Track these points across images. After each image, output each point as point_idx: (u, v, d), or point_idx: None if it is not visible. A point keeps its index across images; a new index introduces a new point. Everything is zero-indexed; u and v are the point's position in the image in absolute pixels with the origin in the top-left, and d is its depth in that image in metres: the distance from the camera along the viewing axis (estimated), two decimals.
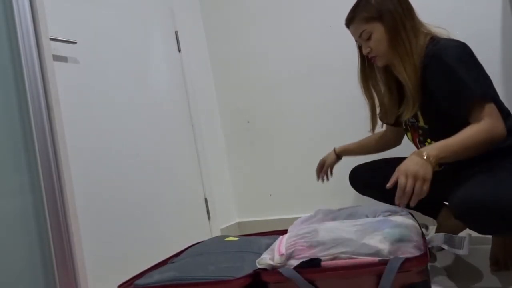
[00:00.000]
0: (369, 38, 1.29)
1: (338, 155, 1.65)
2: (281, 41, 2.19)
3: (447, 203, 1.46)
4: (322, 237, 1.05)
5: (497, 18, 1.67)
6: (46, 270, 1.19)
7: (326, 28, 2.05)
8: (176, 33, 2.20)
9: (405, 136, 1.47)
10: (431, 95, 1.23)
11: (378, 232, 1.03)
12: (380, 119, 1.48)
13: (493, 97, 1.17)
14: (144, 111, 1.91)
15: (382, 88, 1.40)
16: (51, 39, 1.39)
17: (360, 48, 1.39)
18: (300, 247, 1.05)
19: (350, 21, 1.34)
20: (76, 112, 1.57)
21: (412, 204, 1.04)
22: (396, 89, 1.37)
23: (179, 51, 2.21)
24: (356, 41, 1.38)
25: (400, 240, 0.99)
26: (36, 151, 1.20)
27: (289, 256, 1.04)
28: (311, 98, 2.13)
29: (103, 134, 1.68)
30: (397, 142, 1.58)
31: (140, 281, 1.14)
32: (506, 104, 1.69)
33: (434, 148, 1.09)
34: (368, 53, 1.31)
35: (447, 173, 1.35)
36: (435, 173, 1.37)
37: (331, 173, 1.67)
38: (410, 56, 1.22)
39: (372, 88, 1.41)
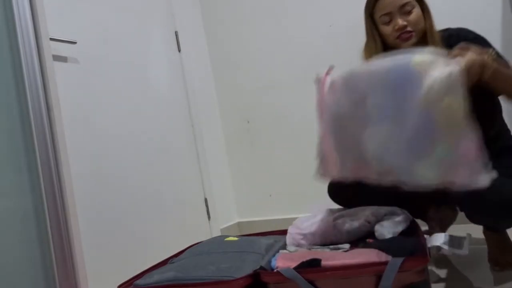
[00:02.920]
0: (410, 12, 1.27)
1: None
2: (281, 41, 2.19)
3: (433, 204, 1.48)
4: None
5: (497, 18, 1.67)
6: (46, 270, 1.19)
7: (326, 28, 2.05)
8: (176, 33, 2.20)
9: None
10: None
11: None
12: None
13: None
14: (144, 111, 1.91)
15: None
16: (51, 39, 1.39)
17: (371, 32, 1.35)
18: None
19: None
20: (76, 112, 1.57)
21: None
22: None
23: (179, 51, 2.21)
24: (379, 17, 1.31)
25: None
26: (36, 151, 1.20)
27: None
28: (311, 98, 2.12)
29: (103, 134, 1.68)
30: None
31: (140, 281, 1.14)
32: (505, 104, 1.69)
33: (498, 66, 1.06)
34: (405, 26, 1.26)
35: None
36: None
37: None
38: (436, 44, 1.24)
39: None
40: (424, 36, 1.27)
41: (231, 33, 2.36)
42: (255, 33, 2.28)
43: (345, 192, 1.50)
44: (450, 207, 1.47)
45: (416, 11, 1.26)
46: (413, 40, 1.27)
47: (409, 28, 1.26)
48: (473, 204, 1.06)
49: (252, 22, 2.29)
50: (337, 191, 1.53)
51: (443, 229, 1.43)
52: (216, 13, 2.41)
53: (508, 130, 1.30)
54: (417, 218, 1.52)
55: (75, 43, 1.60)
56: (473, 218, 1.14)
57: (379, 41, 1.35)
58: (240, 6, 2.32)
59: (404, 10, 1.26)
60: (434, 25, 1.28)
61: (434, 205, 1.48)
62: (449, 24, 1.75)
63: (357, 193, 1.42)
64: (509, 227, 1.19)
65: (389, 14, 1.28)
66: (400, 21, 1.25)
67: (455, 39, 1.23)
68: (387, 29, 1.29)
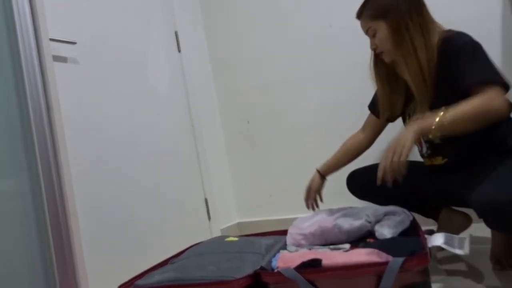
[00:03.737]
0: (374, 35, 1.30)
1: (323, 175, 1.57)
2: (281, 41, 2.19)
3: (446, 204, 1.47)
4: None
5: (497, 18, 1.67)
6: (46, 270, 1.19)
7: (326, 28, 2.05)
8: (176, 33, 2.20)
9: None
10: (444, 86, 1.21)
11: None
12: (377, 113, 1.47)
13: (504, 84, 1.12)
14: (144, 111, 1.91)
15: (386, 84, 1.39)
16: (51, 39, 1.39)
17: None
18: None
19: (358, 16, 1.36)
20: (76, 112, 1.57)
21: (390, 177, 1.11)
22: (404, 87, 1.36)
23: (179, 51, 2.21)
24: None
25: None
26: (36, 151, 1.20)
27: None
28: (311, 98, 2.13)
29: (103, 134, 1.68)
30: (369, 143, 1.55)
31: (140, 282, 1.14)
32: None
33: (424, 121, 1.12)
34: (375, 49, 1.33)
35: (446, 175, 1.36)
36: (435, 175, 1.37)
37: (321, 199, 1.58)
38: (412, 56, 1.22)
39: (379, 80, 1.40)
40: (398, 51, 1.25)
41: (231, 33, 2.36)
42: (255, 33, 2.28)
43: (363, 187, 1.52)
44: (463, 214, 1.45)
45: (380, 33, 1.28)
46: (388, 58, 1.30)
47: (378, 50, 1.32)
48: (487, 212, 1.02)
49: (252, 23, 2.28)
50: (355, 184, 1.56)
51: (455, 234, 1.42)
52: (216, 13, 2.41)
53: None
54: (428, 217, 1.51)
55: (75, 43, 1.60)
56: (490, 226, 1.09)
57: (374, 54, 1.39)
58: (240, 6, 2.32)
59: (370, 35, 1.33)
60: (408, 37, 1.22)
61: (448, 209, 1.46)
62: (449, 24, 1.76)
63: (374, 191, 1.42)
64: None
65: (366, 35, 1.36)
66: (371, 44, 1.34)
67: (448, 44, 1.20)
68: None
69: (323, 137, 2.09)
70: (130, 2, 1.95)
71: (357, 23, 2.06)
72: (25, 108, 1.20)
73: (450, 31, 1.25)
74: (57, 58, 1.53)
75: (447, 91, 1.19)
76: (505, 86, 1.11)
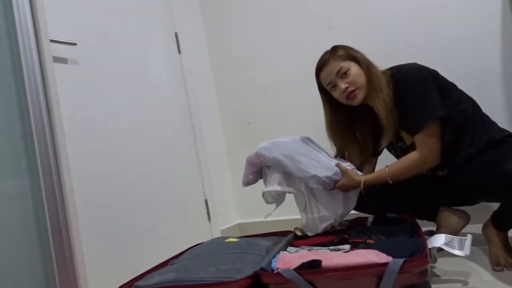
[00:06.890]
0: (346, 74, 1.39)
1: None
2: (281, 42, 2.19)
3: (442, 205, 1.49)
4: None
5: (497, 18, 1.67)
6: (46, 271, 1.19)
7: (326, 29, 2.05)
8: (176, 34, 2.21)
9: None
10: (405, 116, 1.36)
11: None
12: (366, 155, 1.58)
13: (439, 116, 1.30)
14: (144, 113, 1.91)
15: (359, 127, 1.55)
16: (51, 40, 1.39)
17: (327, 99, 1.52)
18: None
19: (325, 62, 1.45)
20: (76, 113, 1.57)
21: None
22: (371, 124, 1.51)
23: (179, 52, 2.21)
24: (326, 86, 1.47)
25: None
26: (36, 152, 1.20)
27: None
28: (311, 99, 2.12)
29: (103, 135, 1.67)
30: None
31: (140, 283, 1.14)
32: (505, 104, 1.69)
33: (370, 178, 1.38)
34: (347, 88, 1.40)
35: (441, 179, 1.38)
36: (432, 179, 1.41)
37: None
38: (382, 90, 1.36)
39: (342, 133, 1.57)
40: (371, 85, 1.39)
41: (231, 34, 2.36)
42: (255, 34, 2.28)
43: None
44: (461, 211, 1.45)
45: (353, 70, 1.40)
46: (360, 95, 1.40)
47: (350, 88, 1.39)
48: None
49: (252, 24, 2.29)
50: None
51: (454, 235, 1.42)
52: (216, 15, 2.41)
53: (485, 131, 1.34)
54: (425, 219, 1.52)
55: (75, 44, 1.60)
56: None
57: (331, 111, 1.55)
58: (240, 7, 2.32)
59: (341, 74, 1.40)
60: (375, 73, 1.39)
61: (445, 208, 1.47)
62: (448, 24, 1.76)
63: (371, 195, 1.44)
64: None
65: (331, 82, 1.44)
66: (342, 85, 1.40)
67: (397, 75, 1.36)
68: (335, 94, 1.45)
69: (324, 138, 2.08)
70: (130, 3, 1.95)
71: (356, 23, 2.06)
72: (25, 109, 1.20)
73: (396, 66, 1.40)
74: (57, 59, 1.53)
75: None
76: (439, 117, 1.29)
